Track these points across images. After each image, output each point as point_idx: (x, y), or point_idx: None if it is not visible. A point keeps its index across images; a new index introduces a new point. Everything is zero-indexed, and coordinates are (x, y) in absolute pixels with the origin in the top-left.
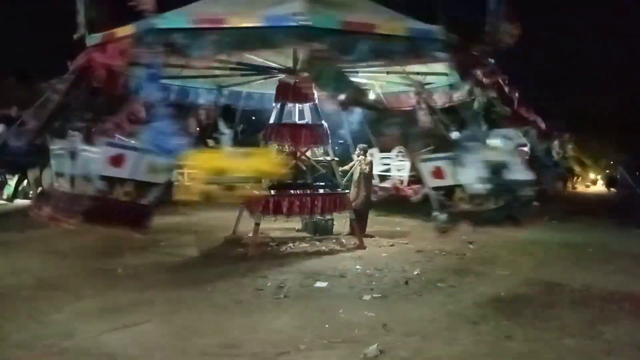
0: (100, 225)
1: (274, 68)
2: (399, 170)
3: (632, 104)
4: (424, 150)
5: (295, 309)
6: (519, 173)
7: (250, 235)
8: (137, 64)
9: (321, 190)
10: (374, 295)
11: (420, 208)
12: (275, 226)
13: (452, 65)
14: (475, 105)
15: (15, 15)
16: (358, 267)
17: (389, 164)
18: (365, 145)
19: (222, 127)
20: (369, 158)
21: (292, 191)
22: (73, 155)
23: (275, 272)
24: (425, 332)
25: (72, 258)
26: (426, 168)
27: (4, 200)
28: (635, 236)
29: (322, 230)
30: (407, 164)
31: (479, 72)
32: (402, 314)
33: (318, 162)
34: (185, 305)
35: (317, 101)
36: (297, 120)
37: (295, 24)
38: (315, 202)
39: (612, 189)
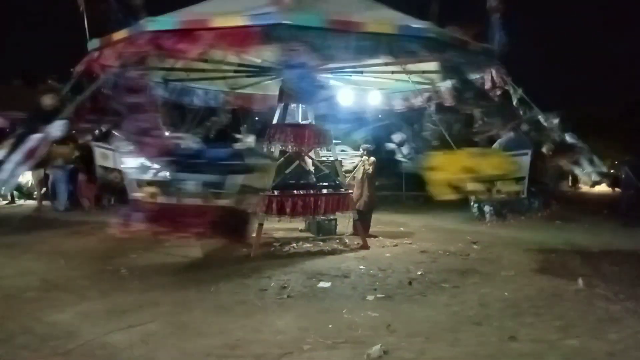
0: (204, 236)
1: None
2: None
3: (637, 104)
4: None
5: (298, 309)
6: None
7: (254, 235)
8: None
9: (324, 191)
10: (378, 295)
11: (420, 208)
12: (279, 226)
13: (443, 65)
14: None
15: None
16: (361, 267)
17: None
18: (368, 145)
19: (243, 132)
20: (372, 158)
21: (295, 191)
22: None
23: (279, 272)
24: (429, 332)
25: (77, 259)
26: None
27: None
28: None
29: (326, 231)
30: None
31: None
32: (406, 314)
33: (321, 162)
34: (189, 306)
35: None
36: (300, 120)
37: (275, 21)
38: (319, 203)
39: (617, 189)
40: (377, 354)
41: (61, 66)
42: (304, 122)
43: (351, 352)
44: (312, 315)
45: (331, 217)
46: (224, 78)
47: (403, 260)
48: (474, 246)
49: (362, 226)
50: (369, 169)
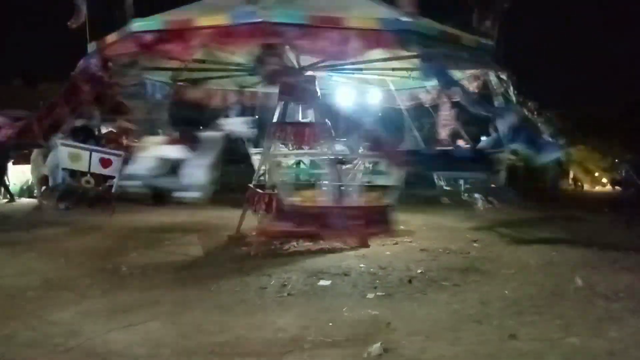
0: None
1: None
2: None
3: (637, 104)
4: None
5: (298, 307)
6: None
7: (254, 233)
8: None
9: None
10: (378, 293)
11: (421, 207)
12: None
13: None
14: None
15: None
16: (362, 265)
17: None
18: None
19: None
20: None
21: None
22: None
23: (279, 270)
24: (429, 331)
25: (77, 258)
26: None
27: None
28: None
29: None
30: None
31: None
32: (406, 312)
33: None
34: (190, 304)
35: (320, 99)
36: (300, 119)
37: (260, 19)
38: None
39: (618, 188)
40: (378, 352)
41: (61, 66)
42: (304, 121)
43: (351, 350)
44: (313, 314)
45: None
46: (228, 77)
47: (403, 258)
48: (475, 244)
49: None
50: (369, 167)
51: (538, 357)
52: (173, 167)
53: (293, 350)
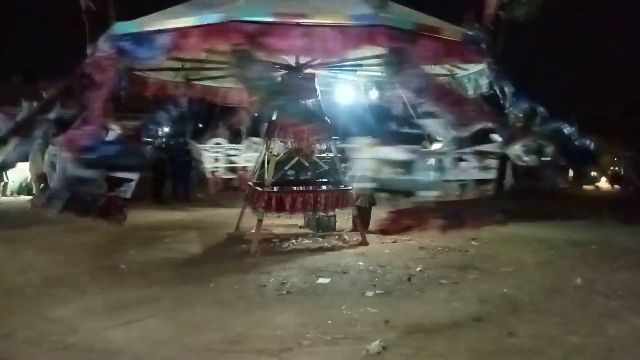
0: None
1: (276, 64)
2: (246, 160)
3: (637, 104)
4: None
5: (297, 305)
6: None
7: (253, 231)
8: None
9: (324, 187)
10: (377, 291)
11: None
12: (278, 222)
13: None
14: None
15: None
16: (361, 263)
17: (236, 154)
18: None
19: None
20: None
21: (295, 188)
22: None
23: (278, 268)
24: (428, 328)
25: (77, 255)
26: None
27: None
28: None
29: (325, 227)
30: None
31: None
32: (405, 310)
33: (321, 158)
34: (189, 301)
35: (320, 97)
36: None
37: (226, 18)
38: (318, 199)
39: (616, 186)
40: (377, 349)
41: (61, 66)
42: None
43: (350, 348)
44: (312, 311)
45: (330, 213)
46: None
47: (402, 256)
48: (473, 242)
49: (361, 222)
50: None
51: (537, 354)
52: (404, 168)
53: (292, 347)
